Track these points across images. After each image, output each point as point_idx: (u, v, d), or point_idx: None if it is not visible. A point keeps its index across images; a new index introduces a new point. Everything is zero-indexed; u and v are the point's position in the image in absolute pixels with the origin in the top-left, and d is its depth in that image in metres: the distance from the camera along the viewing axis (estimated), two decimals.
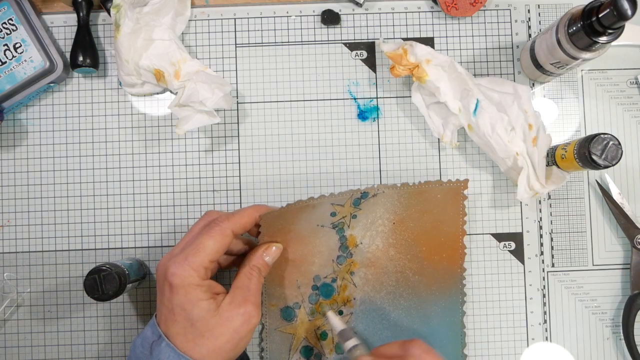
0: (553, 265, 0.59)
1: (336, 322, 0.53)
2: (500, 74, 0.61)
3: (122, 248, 0.59)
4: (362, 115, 0.60)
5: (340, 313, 0.55)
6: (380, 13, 0.61)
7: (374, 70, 0.61)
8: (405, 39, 0.61)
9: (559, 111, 0.61)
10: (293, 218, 0.54)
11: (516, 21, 0.61)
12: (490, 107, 0.55)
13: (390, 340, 0.53)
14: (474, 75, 0.60)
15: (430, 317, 0.56)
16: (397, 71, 0.56)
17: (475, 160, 0.60)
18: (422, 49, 0.56)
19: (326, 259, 0.55)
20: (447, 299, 0.56)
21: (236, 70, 0.61)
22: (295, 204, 0.54)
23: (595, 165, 0.52)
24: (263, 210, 0.52)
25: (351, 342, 0.51)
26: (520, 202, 0.60)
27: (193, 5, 0.61)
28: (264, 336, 0.56)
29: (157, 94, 0.60)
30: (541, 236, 0.60)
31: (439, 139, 0.60)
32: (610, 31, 0.47)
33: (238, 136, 0.60)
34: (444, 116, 0.58)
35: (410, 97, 0.60)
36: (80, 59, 0.58)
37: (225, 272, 0.59)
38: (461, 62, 0.61)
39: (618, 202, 0.59)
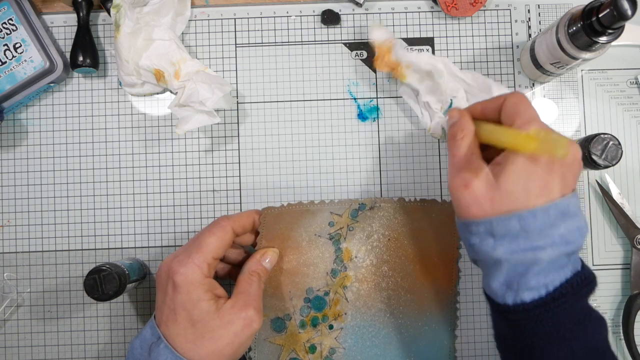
0: None
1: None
2: (500, 74, 0.61)
3: (122, 248, 0.59)
4: (362, 115, 0.60)
5: (331, 327, 0.55)
6: (380, 13, 0.61)
7: (374, 70, 0.61)
8: (405, 39, 0.61)
9: (559, 111, 0.61)
10: (292, 223, 0.54)
11: (516, 21, 0.61)
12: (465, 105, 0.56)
13: (379, 358, 0.54)
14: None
15: (419, 338, 0.55)
16: (380, 65, 0.57)
17: None
18: (404, 55, 0.56)
19: (320, 271, 0.55)
20: (437, 321, 0.55)
21: (236, 70, 0.61)
22: (296, 205, 0.55)
23: (595, 165, 0.52)
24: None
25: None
26: None
27: (193, 5, 0.61)
28: (253, 346, 0.55)
29: (157, 94, 0.60)
30: None
31: (438, 139, 0.60)
32: (610, 31, 0.47)
33: (238, 136, 0.60)
34: (428, 109, 0.58)
35: None
36: (80, 59, 0.58)
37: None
38: (461, 62, 0.61)
39: (618, 202, 0.59)
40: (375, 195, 0.60)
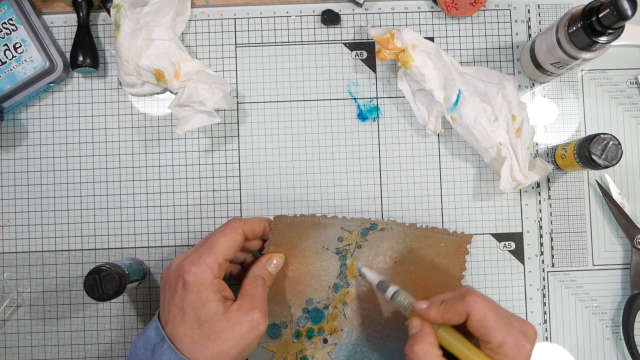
0: (553, 265, 0.59)
1: (372, 276, 0.53)
2: None
3: (122, 248, 0.59)
4: (362, 115, 0.60)
5: (325, 342, 0.55)
6: (380, 13, 0.61)
7: (374, 70, 0.61)
8: None
9: (559, 111, 0.61)
10: (302, 233, 0.55)
11: (516, 21, 0.61)
12: (472, 97, 0.55)
13: None
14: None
15: None
16: (383, 55, 0.56)
17: (475, 160, 0.60)
18: (409, 34, 0.56)
19: (323, 284, 0.55)
20: None
21: (236, 70, 0.61)
22: (309, 217, 0.55)
23: (595, 165, 0.52)
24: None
25: (392, 289, 0.50)
26: (520, 202, 0.60)
27: (193, 5, 0.61)
28: None
29: (157, 94, 0.60)
30: (541, 236, 0.60)
31: (438, 138, 0.60)
32: (610, 31, 0.47)
33: (238, 136, 0.60)
34: (428, 103, 0.58)
35: None
36: (80, 59, 0.58)
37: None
38: (461, 62, 0.61)
39: (618, 202, 0.59)
40: (375, 196, 0.60)
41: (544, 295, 0.59)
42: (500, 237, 0.60)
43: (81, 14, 0.59)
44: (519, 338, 0.43)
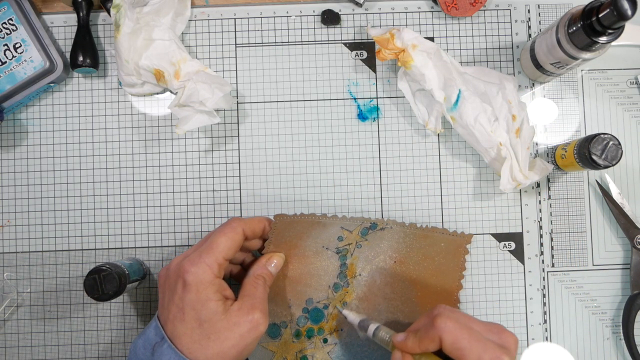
0: (553, 265, 0.59)
1: (352, 317, 0.53)
2: None
3: (122, 248, 0.59)
4: (362, 115, 0.60)
5: (325, 341, 0.55)
6: (380, 13, 0.61)
7: (374, 70, 0.61)
8: None
9: (559, 111, 0.61)
10: (302, 232, 0.55)
11: (516, 21, 0.61)
12: (473, 97, 0.55)
13: None
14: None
15: None
16: (383, 55, 0.56)
17: (475, 160, 0.60)
18: (409, 34, 0.56)
19: (323, 284, 0.55)
20: None
21: (236, 70, 0.61)
22: (309, 216, 0.55)
23: (595, 165, 0.52)
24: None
25: (372, 326, 0.50)
26: (520, 202, 0.60)
27: (193, 5, 0.61)
28: None
29: (157, 94, 0.60)
30: (541, 236, 0.60)
31: (438, 138, 0.60)
32: (610, 31, 0.47)
33: (238, 136, 0.60)
34: (428, 103, 0.58)
35: None
36: (80, 59, 0.58)
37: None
38: (461, 63, 0.61)
39: (618, 202, 0.59)
40: (375, 196, 0.60)
41: (544, 295, 0.59)
42: (500, 237, 0.60)
43: (81, 14, 0.59)
44: (495, 354, 0.42)
